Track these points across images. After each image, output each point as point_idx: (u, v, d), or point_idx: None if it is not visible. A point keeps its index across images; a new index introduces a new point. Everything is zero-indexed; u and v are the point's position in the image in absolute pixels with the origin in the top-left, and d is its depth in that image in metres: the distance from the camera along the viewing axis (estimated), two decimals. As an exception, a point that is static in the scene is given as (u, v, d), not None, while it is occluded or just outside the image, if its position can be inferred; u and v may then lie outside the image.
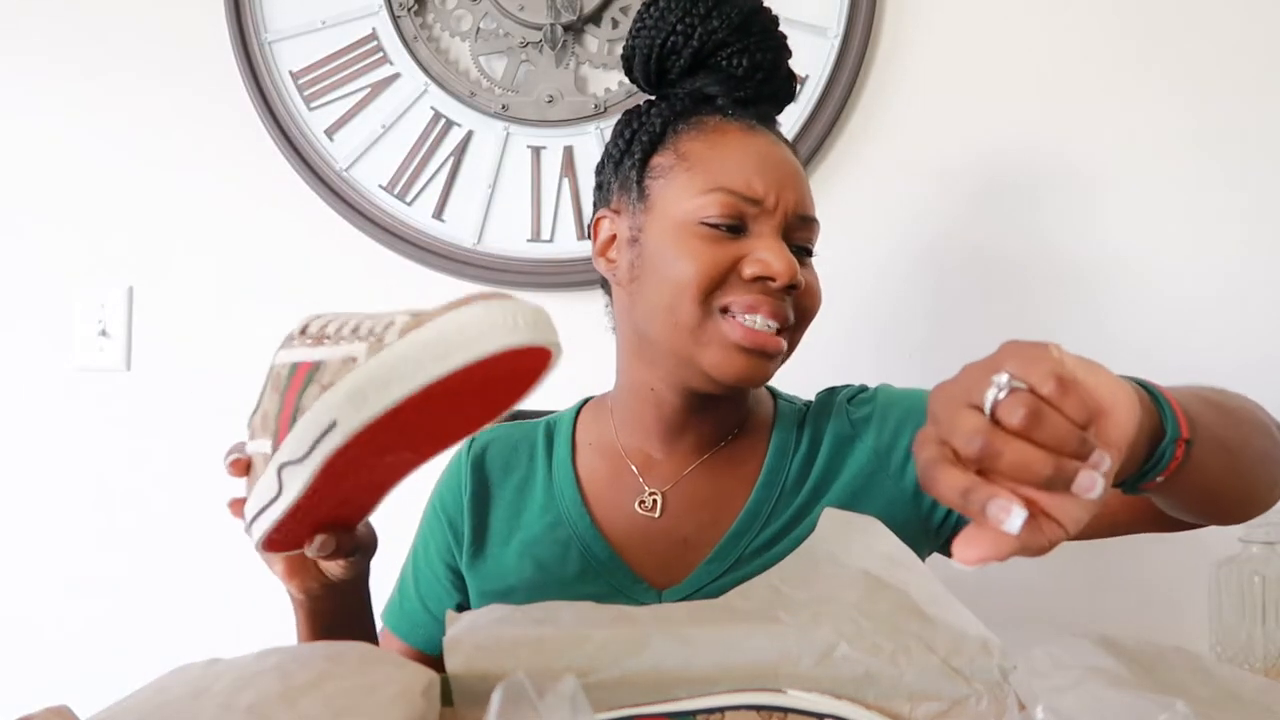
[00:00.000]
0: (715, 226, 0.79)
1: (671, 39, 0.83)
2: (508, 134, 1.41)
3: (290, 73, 1.43)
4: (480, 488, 0.91)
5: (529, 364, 0.56)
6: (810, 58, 1.33)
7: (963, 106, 1.33)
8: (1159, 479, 0.57)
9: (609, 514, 0.86)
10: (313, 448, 0.56)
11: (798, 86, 0.90)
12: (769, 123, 0.87)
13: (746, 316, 0.79)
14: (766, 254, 0.78)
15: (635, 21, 0.86)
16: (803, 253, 0.83)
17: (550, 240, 1.39)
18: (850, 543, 0.65)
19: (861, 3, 1.33)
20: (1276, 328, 1.26)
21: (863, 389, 0.92)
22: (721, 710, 0.49)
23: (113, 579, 1.45)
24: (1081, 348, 1.31)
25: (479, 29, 1.41)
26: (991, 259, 1.32)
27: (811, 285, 0.84)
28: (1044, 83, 1.32)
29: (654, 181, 0.84)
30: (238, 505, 0.67)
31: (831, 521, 0.69)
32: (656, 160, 0.84)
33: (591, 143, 1.39)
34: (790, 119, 1.32)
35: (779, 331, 0.80)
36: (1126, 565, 1.27)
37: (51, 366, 1.49)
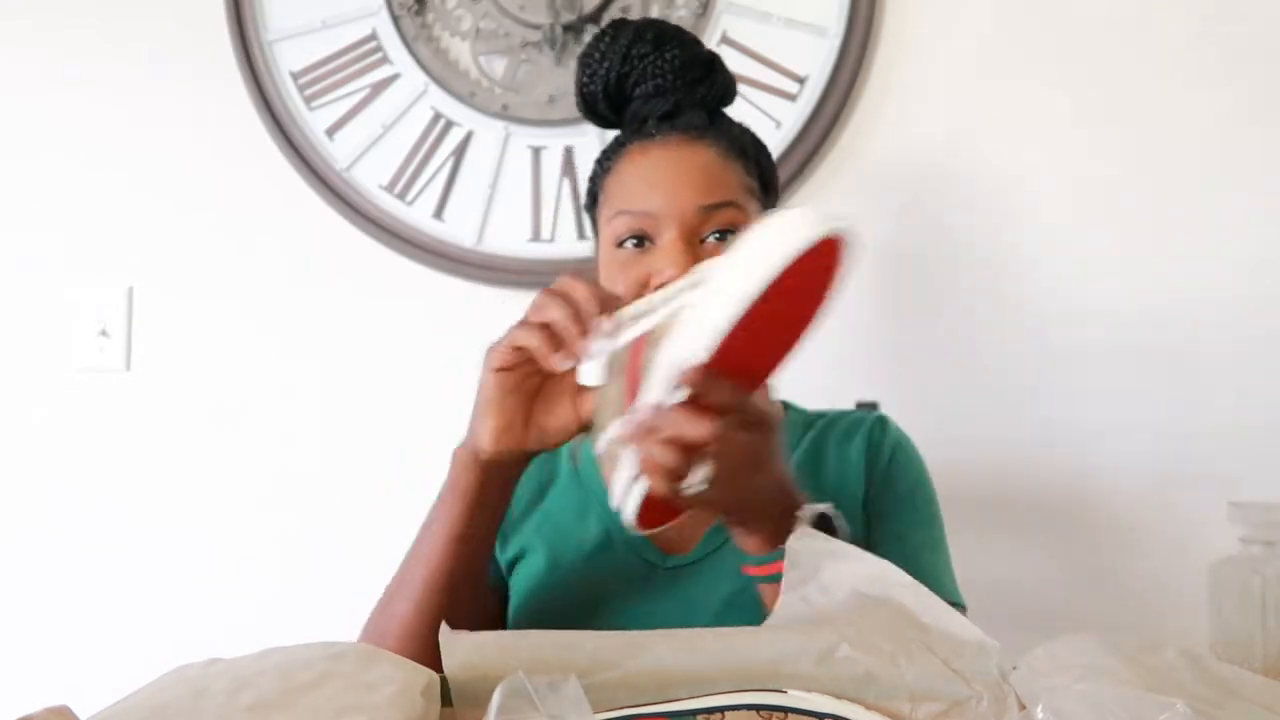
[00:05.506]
0: (624, 245, 0.87)
1: (589, 89, 0.93)
2: (508, 134, 1.41)
3: (290, 73, 1.43)
4: None
5: (827, 260, 0.64)
6: (810, 58, 1.33)
7: (962, 107, 1.33)
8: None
9: None
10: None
11: (715, 79, 0.93)
12: (693, 128, 0.90)
13: None
14: (659, 259, 0.85)
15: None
16: (728, 235, 0.87)
17: (551, 240, 1.39)
18: (829, 574, 0.65)
19: (861, 3, 1.33)
20: (1261, 326, 1.26)
21: (878, 417, 0.98)
22: (721, 710, 0.49)
23: (113, 578, 1.45)
24: (1084, 345, 1.31)
25: (479, 29, 1.41)
26: (992, 258, 1.32)
27: None
28: (1044, 83, 1.31)
29: (598, 218, 0.94)
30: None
31: (798, 555, 0.69)
32: (599, 199, 0.94)
33: (591, 143, 1.39)
34: (790, 119, 1.33)
35: None
36: (1126, 565, 1.27)
37: (51, 366, 1.49)
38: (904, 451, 0.96)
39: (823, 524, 0.74)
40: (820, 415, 0.99)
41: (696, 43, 0.93)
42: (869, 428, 0.96)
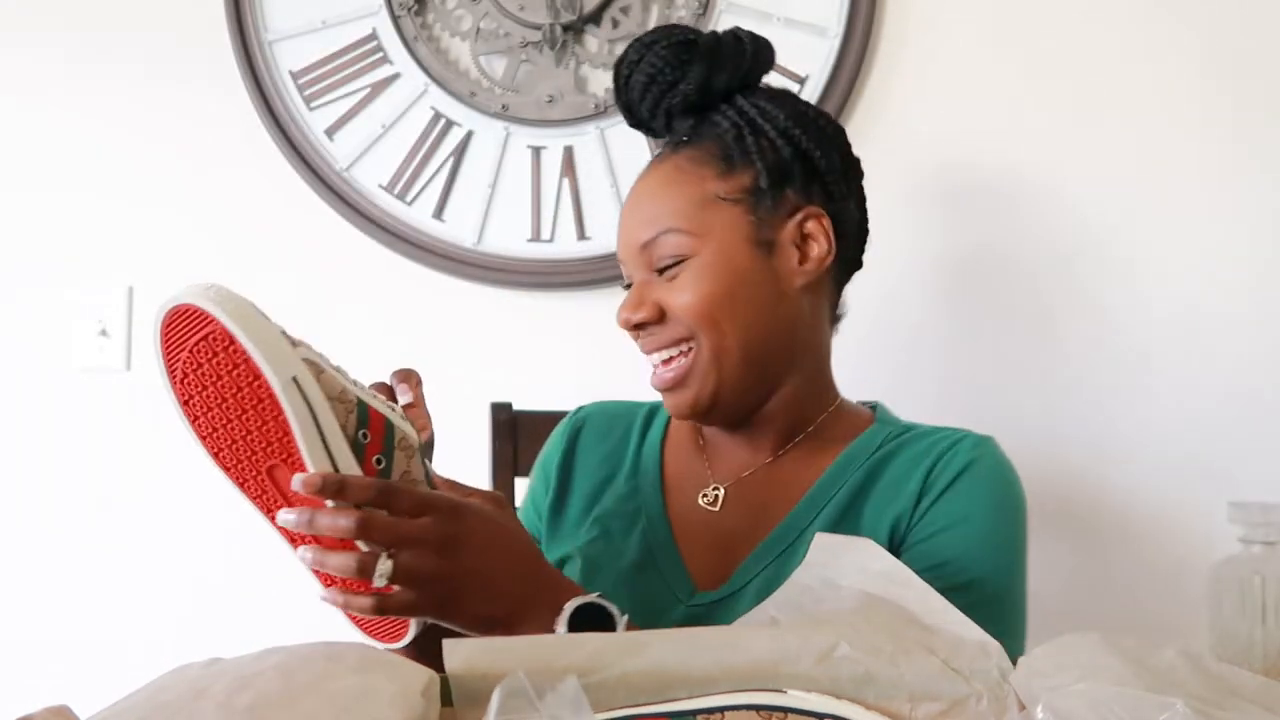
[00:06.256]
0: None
1: (622, 112, 0.93)
2: (508, 134, 1.40)
3: (290, 73, 1.43)
4: (571, 448, 0.99)
5: (222, 346, 0.63)
6: (810, 58, 1.33)
7: (963, 106, 1.33)
8: None
9: (678, 501, 0.92)
10: None
11: (691, 72, 0.86)
12: (678, 139, 0.89)
13: (646, 357, 0.88)
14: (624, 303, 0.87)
15: None
16: (672, 268, 0.84)
17: (550, 240, 1.39)
18: (845, 565, 0.65)
19: (861, 3, 1.33)
20: (1262, 326, 1.26)
21: (961, 439, 0.87)
22: (721, 710, 0.49)
23: (113, 579, 1.45)
24: (1082, 345, 1.31)
25: (479, 29, 1.41)
26: (993, 258, 1.32)
27: (674, 304, 0.84)
28: (1044, 82, 1.31)
29: None
30: None
31: (824, 545, 0.69)
32: None
33: (591, 143, 1.39)
34: (790, 119, 1.32)
35: (684, 354, 0.85)
36: (1126, 565, 1.27)
37: (51, 366, 1.49)
38: (973, 478, 0.82)
39: (591, 614, 0.68)
40: (910, 428, 0.89)
41: (683, 43, 0.85)
42: (944, 447, 0.84)
